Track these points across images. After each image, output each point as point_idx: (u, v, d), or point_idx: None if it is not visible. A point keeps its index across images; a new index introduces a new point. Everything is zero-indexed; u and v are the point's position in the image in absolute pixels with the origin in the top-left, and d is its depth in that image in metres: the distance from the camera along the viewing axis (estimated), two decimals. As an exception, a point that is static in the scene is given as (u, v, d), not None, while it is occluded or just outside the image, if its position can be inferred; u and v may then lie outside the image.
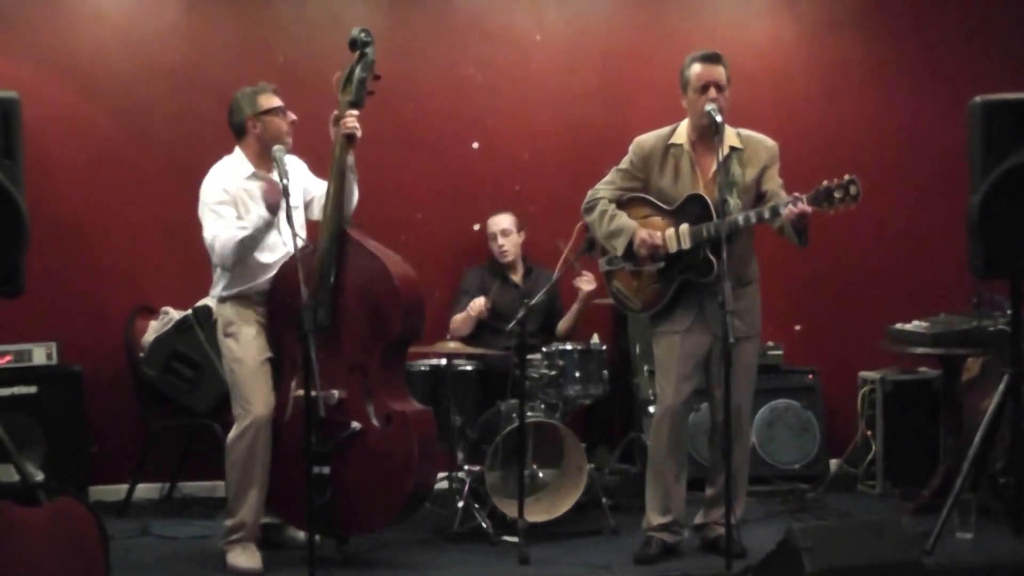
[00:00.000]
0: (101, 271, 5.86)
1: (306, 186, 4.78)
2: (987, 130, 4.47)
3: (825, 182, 4.23)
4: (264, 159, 4.59)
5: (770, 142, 4.60)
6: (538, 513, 4.99)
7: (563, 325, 5.66)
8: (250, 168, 4.63)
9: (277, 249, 4.64)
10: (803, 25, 6.36)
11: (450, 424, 5.19)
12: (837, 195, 4.20)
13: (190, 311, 5.49)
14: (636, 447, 5.64)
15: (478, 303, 5.52)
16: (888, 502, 5.58)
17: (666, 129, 4.64)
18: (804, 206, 4.24)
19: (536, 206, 6.04)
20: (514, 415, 4.84)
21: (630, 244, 4.55)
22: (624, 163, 4.68)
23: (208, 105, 5.58)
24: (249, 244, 4.51)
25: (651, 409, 5.09)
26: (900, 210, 6.25)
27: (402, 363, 4.76)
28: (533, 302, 4.79)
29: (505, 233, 5.73)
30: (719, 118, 4.37)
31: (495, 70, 6.16)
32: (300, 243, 4.43)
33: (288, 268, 4.52)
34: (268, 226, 4.51)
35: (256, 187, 4.58)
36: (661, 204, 4.59)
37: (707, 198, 4.46)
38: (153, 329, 5.58)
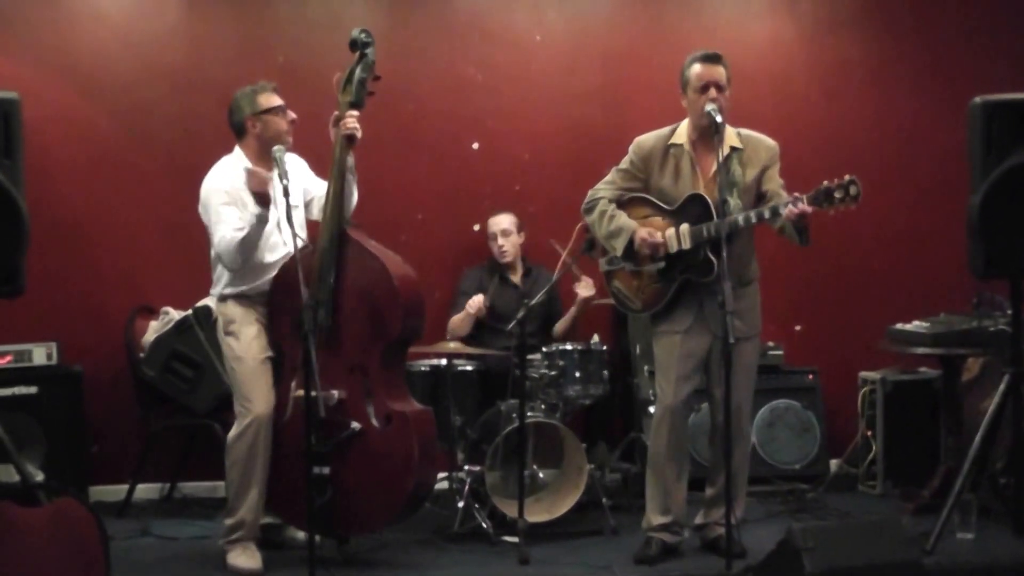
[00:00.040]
0: (101, 271, 5.86)
1: (306, 186, 4.78)
2: (987, 130, 4.47)
3: (825, 182, 4.23)
4: (264, 158, 4.59)
5: (770, 142, 4.60)
6: (538, 513, 4.99)
7: (559, 327, 5.65)
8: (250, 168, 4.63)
9: (278, 249, 4.64)
10: (803, 25, 6.36)
11: (450, 424, 5.18)
12: (837, 195, 4.20)
13: (190, 311, 5.49)
14: (636, 447, 5.64)
15: (476, 301, 5.52)
16: (888, 502, 5.58)
17: (666, 129, 4.64)
18: (804, 206, 4.24)
19: (536, 206, 6.04)
20: (514, 415, 4.84)
21: (630, 244, 4.55)
22: (624, 163, 4.68)
23: (208, 105, 5.58)
24: (249, 243, 4.50)
25: (651, 409, 5.09)
26: (900, 210, 6.25)
27: (402, 363, 4.76)
28: (533, 302, 4.79)
29: (505, 233, 5.73)
30: (719, 118, 4.37)
31: (495, 70, 6.16)
32: (300, 243, 4.43)
33: (288, 268, 4.52)
34: (262, 220, 4.48)
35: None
36: (661, 204, 4.58)
37: (707, 198, 4.46)
38: (153, 329, 5.58)
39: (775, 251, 5.14)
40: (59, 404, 5.46)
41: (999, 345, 5.07)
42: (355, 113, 4.58)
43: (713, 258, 4.41)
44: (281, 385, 4.60)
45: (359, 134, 4.57)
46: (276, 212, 4.53)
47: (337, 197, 4.58)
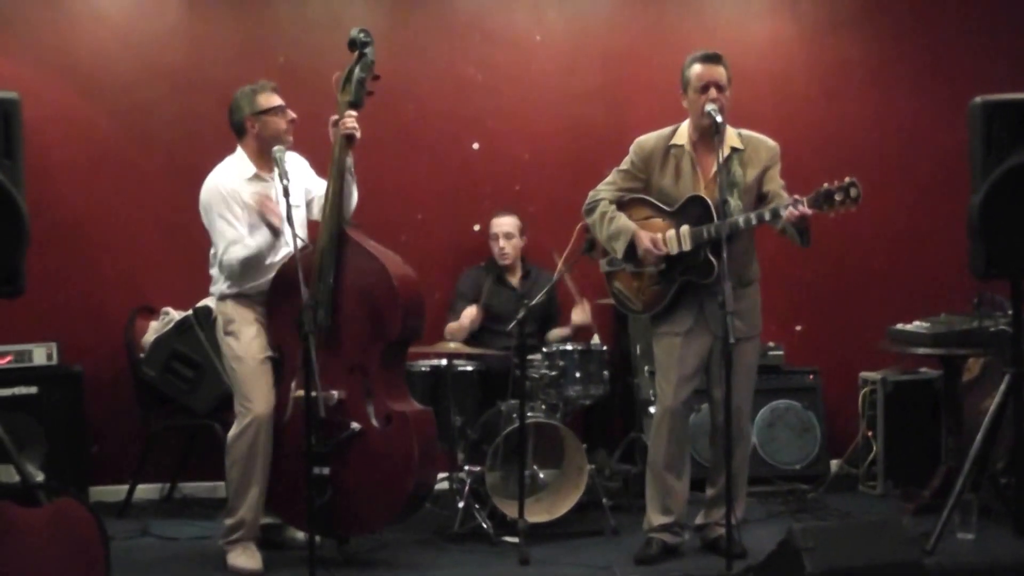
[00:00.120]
0: (101, 271, 5.86)
1: (307, 185, 4.78)
2: (987, 130, 4.47)
3: (825, 184, 4.22)
4: (265, 158, 4.59)
5: (771, 142, 4.60)
6: (538, 513, 4.99)
7: (554, 335, 5.63)
8: (251, 169, 4.63)
9: (279, 250, 4.63)
10: (803, 25, 6.36)
11: (450, 424, 5.18)
12: (837, 197, 4.20)
13: (190, 311, 5.49)
14: (637, 447, 5.64)
15: (470, 313, 5.52)
16: (889, 502, 5.58)
17: (667, 129, 4.63)
18: (804, 208, 4.24)
19: (536, 206, 6.04)
20: (514, 415, 4.84)
21: (631, 246, 4.54)
22: (625, 163, 4.68)
23: (208, 105, 5.58)
24: (253, 263, 4.54)
25: (651, 409, 5.09)
26: (900, 210, 6.26)
27: (402, 363, 4.76)
28: (533, 303, 4.79)
29: (507, 236, 5.73)
30: (719, 118, 4.37)
31: (495, 70, 6.16)
32: (300, 243, 4.43)
33: (288, 268, 4.52)
34: (272, 245, 4.55)
35: (257, 190, 4.58)
36: (662, 205, 4.58)
37: (708, 199, 4.46)
38: (153, 329, 5.58)
39: (775, 251, 5.13)
40: (59, 404, 5.45)
41: (1000, 345, 5.06)
42: (354, 113, 4.58)
43: (714, 259, 4.40)
44: (281, 385, 4.59)
45: (358, 134, 4.57)
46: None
47: (336, 197, 4.58)
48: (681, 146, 4.57)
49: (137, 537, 5.09)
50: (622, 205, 4.65)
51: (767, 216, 4.35)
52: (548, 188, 6.08)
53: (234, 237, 4.53)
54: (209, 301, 5.17)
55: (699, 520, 4.78)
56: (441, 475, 5.08)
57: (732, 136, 4.53)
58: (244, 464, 4.50)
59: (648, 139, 4.65)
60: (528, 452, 5.00)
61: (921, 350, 5.35)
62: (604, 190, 4.68)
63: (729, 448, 4.26)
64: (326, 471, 4.44)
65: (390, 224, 5.69)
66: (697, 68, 4.48)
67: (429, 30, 6.11)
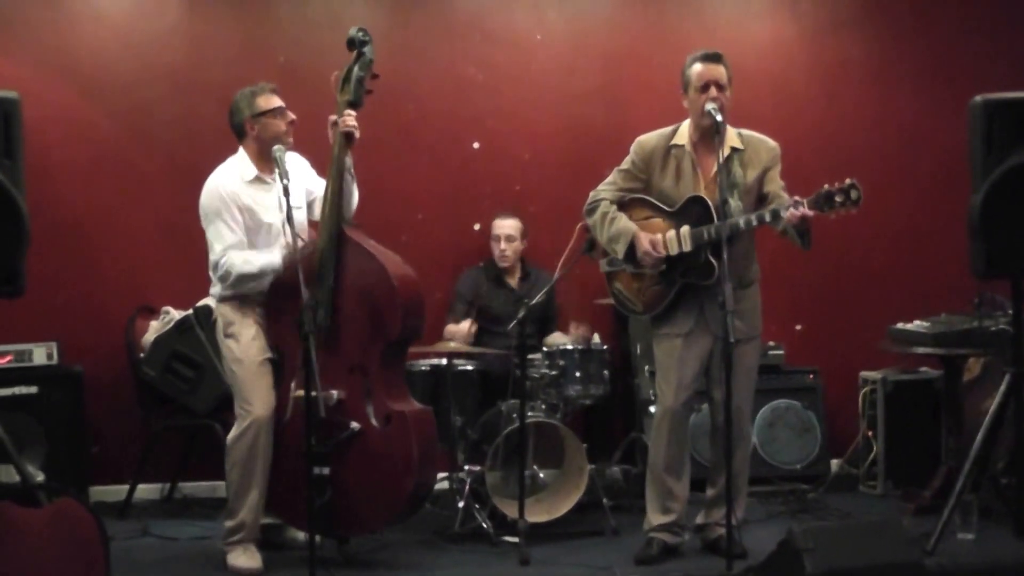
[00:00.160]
0: (101, 271, 5.86)
1: (309, 186, 4.77)
2: (988, 130, 4.47)
3: (826, 186, 4.22)
4: (266, 160, 4.59)
5: (771, 143, 4.59)
6: (539, 514, 4.98)
7: (551, 340, 5.62)
8: (253, 171, 4.62)
9: (279, 252, 4.63)
10: (803, 25, 6.36)
11: (450, 424, 5.18)
12: (838, 199, 4.20)
13: (191, 311, 5.50)
14: (637, 447, 5.64)
15: (462, 332, 5.51)
16: (889, 503, 5.57)
17: (668, 129, 4.63)
18: (805, 210, 4.24)
19: (536, 206, 6.04)
20: (515, 415, 4.84)
21: (631, 247, 4.54)
22: (626, 163, 4.68)
23: (208, 105, 5.58)
24: (249, 281, 4.53)
25: (652, 409, 5.09)
26: (900, 210, 6.25)
27: (402, 363, 4.76)
28: (533, 302, 4.78)
29: (509, 239, 5.73)
30: (719, 117, 4.37)
31: (495, 70, 6.16)
32: (300, 243, 4.43)
33: (288, 268, 4.51)
34: (276, 270, 4.54)
35: (258, 193, 4.59)
36: (662, 205, 4.58)
37: (708, 200, 4.45)
38: (154, 329, 5.58)
39: (776, 251, 5.13)
40: (59, 404, 5.45)
41: (1000, 345, 5.06)
42: (353, 112, 4.58)
43: (714, 261, 4.40)
44: (281, 386, 4.59)
45: (357, 133, 4.56)
46: (279, 215, 4.52)
47: (335, 197, 4.57)
48: (682, 146, 4.57)
49: (137, 537, 5.09)
50: (623, 205, 4.65)
51: (768, 217, 4.35)
52: (548, 188, 6.08)
53: (232, 242, 4.52)
54: (209, 301, 5.16)
55: (699, 520, 4.77)
56: (441, 475, 5.08)
57: (732, 136, 4.53)
58: (244, 466, 4.50)
59: (649, 139, 4.65)
60: (528, 452, 5.00)
61: (921, 350, 5.35)
62: (605, 190, 4.67)
63: (729, 448, 4.25)
64: (326, 471, 4.44)
65: (390, 224, 5.68)
66: (697, 67, 4.48)
67: (429, 30, 6.11)
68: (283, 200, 4.37)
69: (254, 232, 4.59)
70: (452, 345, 5.32)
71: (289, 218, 4.38)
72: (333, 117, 4.60)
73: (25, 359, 5.47)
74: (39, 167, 5.03)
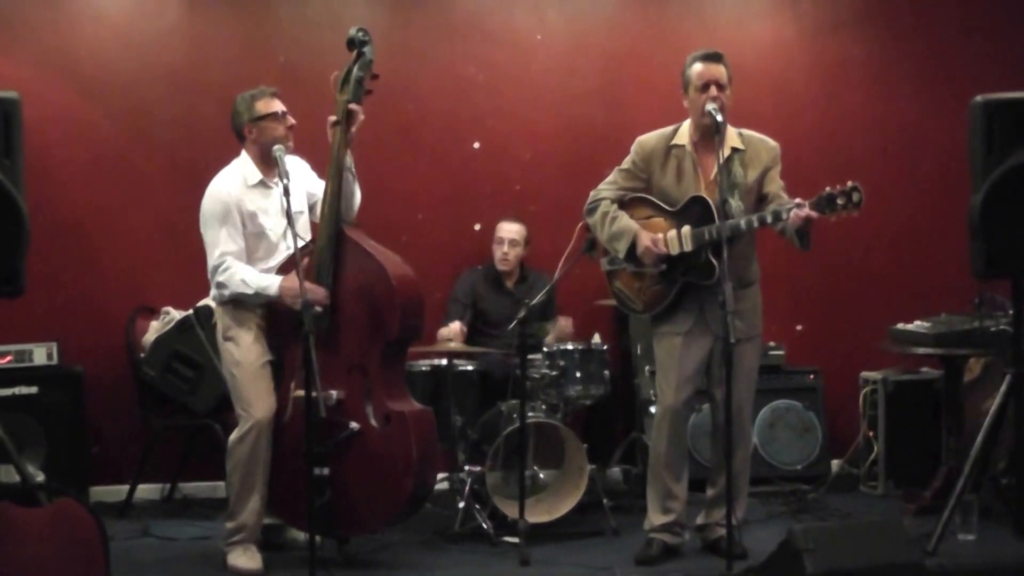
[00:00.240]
0: (101, 271, 5.86)
1: (310, 189, 4.75)
2: (988, 130, 4.47)
3: (828, 188, 4.22)
4: (268, 163, 4.58)
5: (772, 143, 4.59)
6: (539, 514, 4.98)
7: (551, 340, 5.62)
8: (257, 175, 4.61)
9: (280, 256, 4.62)
10: (803, 25, 6.36)
11: (451, 424, 5.18)
12: (839, 201, 4.19)
13: (191, 311, 5.49)
14: (637, 447, 5.64)
15: (454, 331, 5.51)
16: (890, 503, 5.57)
17: (668, 129, 4.63)
18: (807, 211, 4.24)
19: (536, 206, 6.04)
20: (515, 415, 4.84)
21: (632, 246, 4.54)
22: (626, 163, 4.67)
23: (208, 105, 5.58)
24: (241, 298, 4.52)
25: (652, 409, 5.09)
26: (901, 210, 6.25)
27: (402, 363, 4.75)
28: (534, 302, 4.78)
29: (513, 244, 5.74)
30: (720, 117, 4.36)
31: (495, 70, 6.16)
32: (301, 243, 4.42)
33: (287, 268, 4.51)
34: (267, 299, 4.52)
35: (261, 197, 4.59)
36: (663, 205, 4.58)
37: (709, 200, 4.45)
38: (154, 329, 5.58)
39: (776, 251, 5.13)
40: (59, 404, 5.45)
41: (1000, 345, 5.06)
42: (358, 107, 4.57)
43: (715, 261, 4.39)
44: (281, 387, 4.59)
45: (362, 115, 4.53)
46: (282, 221, 4.52)
47: (334, 197, 4.56)
48: (682, 146, 4.57)
49: (137, 537, 5.09)
50: (624, 204, 4.65)
51: (768, 218, 4.35)
52: (548, 188, 6.08)
53: (231, 249, 4.52)
54: (210, 301, 5.15)
55: (700, 520, 4.77)
56: (441, 475, 5.09)
57: (733, 136, 4.53)
58: (245, 469, 4.49)
59: (649, 138, 4.64)
60: (528, 452, 5.00)
61: (922, 350, 5.35)
62: (605, 190, 4.67)
63: (730, 449, 4.25)
64: (326, 471, 4.44)
65: (390, 224, 5.68)
66: (698, 67, 4.48)
67: (429, 30, 6.11)
68: (283, 201, 4.37)
69: (255, 239, 4.58)
70: (452, 345, 5.32)
71: (290, 220, 4.37)
72: (333, 117, 4.60)
73: (25, 359, 5.47)
74: (39, 167, 5.04)
